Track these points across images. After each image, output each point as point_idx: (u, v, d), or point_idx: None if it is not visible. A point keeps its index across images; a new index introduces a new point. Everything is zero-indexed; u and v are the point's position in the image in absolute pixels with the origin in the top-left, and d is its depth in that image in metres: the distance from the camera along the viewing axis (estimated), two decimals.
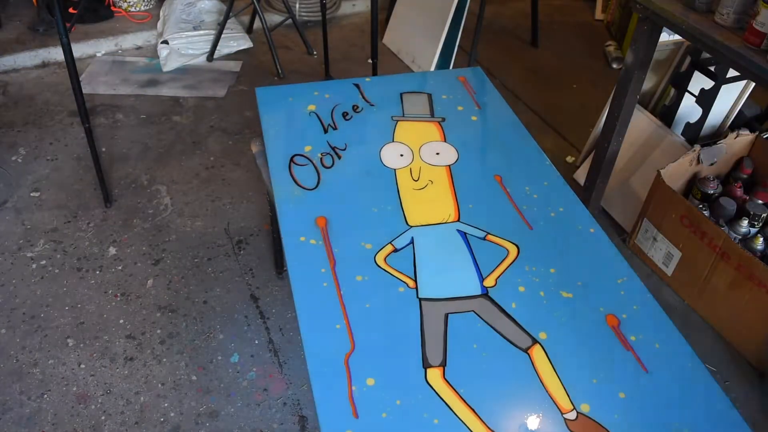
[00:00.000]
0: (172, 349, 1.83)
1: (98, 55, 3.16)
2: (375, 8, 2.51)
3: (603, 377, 1.07)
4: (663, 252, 2.05)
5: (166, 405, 1.70)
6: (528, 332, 1.12)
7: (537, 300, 1.18)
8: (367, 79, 1.74)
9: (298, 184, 1.38)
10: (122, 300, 1.96)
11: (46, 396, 1.70)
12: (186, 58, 3.10)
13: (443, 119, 1.63)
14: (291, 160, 1.45)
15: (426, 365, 1.05)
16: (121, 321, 1.90)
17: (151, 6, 3.41)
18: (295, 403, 1.71)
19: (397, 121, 1.60)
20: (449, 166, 1.48)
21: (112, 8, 3.33)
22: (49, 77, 2.97)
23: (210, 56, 3.13)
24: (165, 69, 3.04)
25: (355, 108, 1.63)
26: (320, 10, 2.97)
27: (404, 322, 1.12)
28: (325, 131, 1.55)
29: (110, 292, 1.98)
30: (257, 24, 3.37)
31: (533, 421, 1.00)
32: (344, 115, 1.61)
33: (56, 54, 3.03)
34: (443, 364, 1.06)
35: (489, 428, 0.98)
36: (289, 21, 3.29)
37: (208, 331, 1.88)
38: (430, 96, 1.71)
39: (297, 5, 3.42)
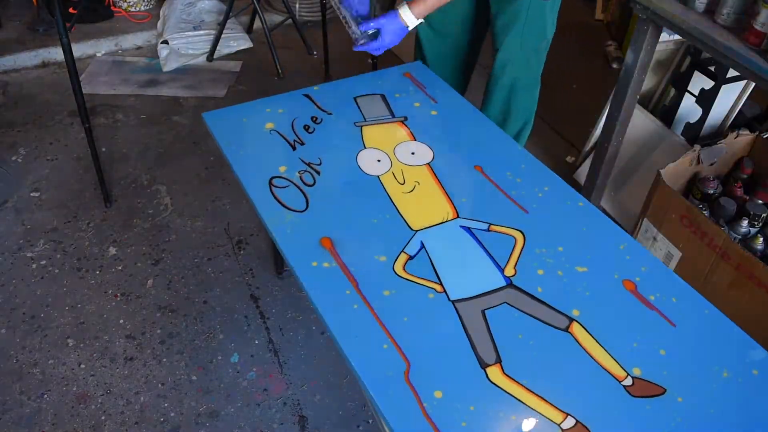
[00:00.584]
0: (172, 349, 1.83)
1: (98, 55, 3.16)
2: (375, 8, 2.50)
3: (641, 339, 1.11)
4: (663, 252, 2.05)
5: (166, 405, 1.70)
6: (562, 312, 1.14)
7: (557, 280, 1.21)
8: (315, 88, 1.70)
9: (288, 208, 1.34)
10: (122, 300, 1.96)
11: (46, 396, 1.70)
12: (186, 58, 3.10)
13: (405, 118, 1.61)
14: (270, 183, 1.40)
15: (483, 365, 1.05)
16: (121, 321, 1.90)
17: (151, 6, 3.41)
18: (295, 403, 1.71)
19: (361, 126, 1.58)
20: (428, 164, 1.48)
21: (112, 8, 3.33)
22: (49, 77, 2.97)
23: (210, 56, 3.12)
24: (165, 69, 3.04)
25: (314, 119, 1.59)
26: (320, 10, 2.97)
27: (446, 328, 1.12)
28: (293, 148, 1.50)
29: (110, 292, 1.98)
30: (257, 24, 3.37)
31: (598, 395, 1.03)
32: (306, 128, 1.56)
33: (56, 54, 3.03)
34: (499, 361, 1.06)
35: (563, 411, 0.99)
36: (289, 21, 3.29)
37: (208, 331, 1.88)
38: (383, 96, 1.69)
39: (297, 5, 3.42)
